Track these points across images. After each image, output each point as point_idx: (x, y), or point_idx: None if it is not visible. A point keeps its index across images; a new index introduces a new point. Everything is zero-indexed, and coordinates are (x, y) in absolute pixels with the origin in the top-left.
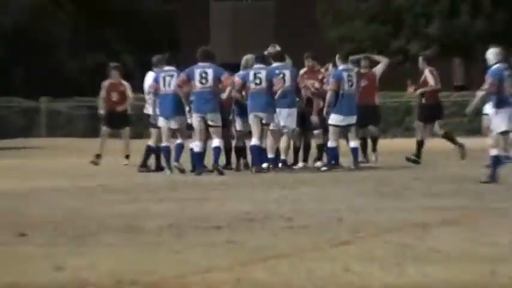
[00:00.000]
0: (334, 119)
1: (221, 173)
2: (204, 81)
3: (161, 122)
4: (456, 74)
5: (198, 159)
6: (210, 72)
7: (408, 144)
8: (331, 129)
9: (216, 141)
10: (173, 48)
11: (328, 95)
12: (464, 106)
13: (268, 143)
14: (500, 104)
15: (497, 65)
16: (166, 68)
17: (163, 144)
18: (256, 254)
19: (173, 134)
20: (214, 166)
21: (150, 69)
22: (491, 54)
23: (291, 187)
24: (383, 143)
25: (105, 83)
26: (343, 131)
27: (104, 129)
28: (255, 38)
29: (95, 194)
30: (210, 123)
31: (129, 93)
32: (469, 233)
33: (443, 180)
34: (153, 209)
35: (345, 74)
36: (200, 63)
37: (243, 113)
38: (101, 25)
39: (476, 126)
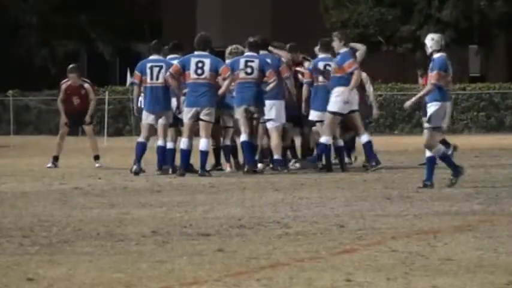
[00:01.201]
0: (313, 114)
1: (209, 176)
2: (200, 71)
3: (145, 116)
4: (472, 63)
5: (183, 157)
6: (207, 62)
7: (419, 141)
8: (318, 125)
9: (203, 143)
10: (155, 36)
11: (303, 88)
12: (481, 99)
13: (273, 141)
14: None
15: (441, 54)
16: (153, 57)
17: (140, 139)
18: (250, 264)
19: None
20: (202, 173)
21: (129, 59)
22: (432, 40)
23: (287, 190)
24: (390, 140)
25: (63, 86)
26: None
27: (63, 128)
28: (248, 23)
29: (70, 197)
30: (202, 117)
31: (92, 96)
32: (484, 241)
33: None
34: (134, 214)
35: (321, 65)
36: (197, 52)
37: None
38: (75, 9)
39: (493, 123)
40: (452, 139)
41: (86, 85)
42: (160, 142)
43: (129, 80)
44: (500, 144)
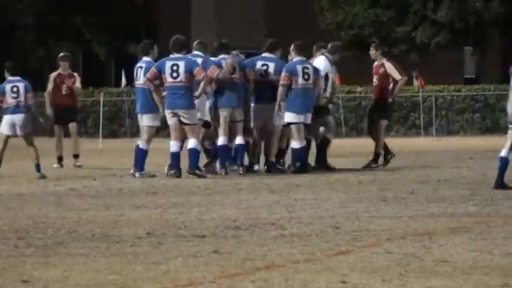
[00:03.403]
0: (288, 116)
1: (202, 177)
2: (175, 74)
3: (138, 118)
4: (468, 64)
5: (174, 160)
6: (182, 65)
7: (414, 143)
8: (292, 128)
9: (191, 142)
10: (151, 37)
11: (279, 90)
12: (476, 101)
13: (273, 144)
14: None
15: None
16: (144, 58)
17: (140, 145)
18: (245, 266)
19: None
20: (191, 171)
21: (124, 60)
22: None
23: (282, 191)
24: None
25: (53, 75)
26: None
27: (56, 128)
28: (242, 25)
29: (65, 199)
30: (183, 120)
31: (78, 84)
32: (479, 242)
33: (451, 184)
34: (129, 215)
35: (299, 67)
36: (172, 55)
37: None
38: (71, 10)
39: (488, 124)
40: (448, 140)
41: (76, 74)
42: (141, 144)
43: (123, 81)
44: (495, 146)
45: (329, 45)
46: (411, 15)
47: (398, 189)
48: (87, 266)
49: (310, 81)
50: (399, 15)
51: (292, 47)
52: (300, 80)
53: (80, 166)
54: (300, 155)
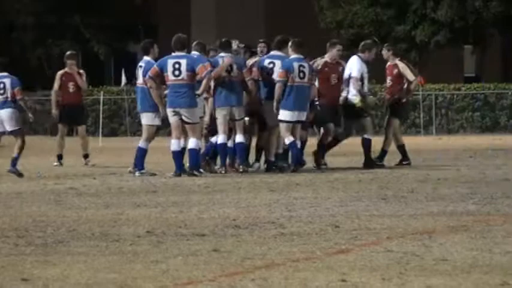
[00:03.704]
0: (283, 114)
1: (199, 175)
2: (177, 72)
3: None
4: (468, 63)
5: (176, 159)
6: (184, 63)
7: (414, 142)
8: (282, 125)
9: (192, 142)
10: (150, 37)
11: (276, 87)
12: (476, 99)
13: (272, 142)
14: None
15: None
16: (144, 58)
17: (140, 144)
18: (244, 264)
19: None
20: (189, 172)
21: (124, 60)
22: None
23: (282, 190)
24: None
25: (59, 73)
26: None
27: (60, 126)
28: (242, 25)
29: (65, 197)
30: (184, 119)
31: (84, 81)
32: (479, 241)
33: (451, 182)
34: (129, 214)
35: (296, 64)
36: (174, 53)
37: None
38: (71, 9)
39: (488, 123)
40: (448, 139)
41: (82, 71)
42: (140, 142)
43: (123, 80)
44: (495, 145)
45: (360, 44)
46: (411, 14)
47: (398, 187)
48: (87, 264)
49: (306, 79)
50: (399, 14)
51: (289, 43)
52: (296, 78)
53: (93, 165)
54: (293, 150)
